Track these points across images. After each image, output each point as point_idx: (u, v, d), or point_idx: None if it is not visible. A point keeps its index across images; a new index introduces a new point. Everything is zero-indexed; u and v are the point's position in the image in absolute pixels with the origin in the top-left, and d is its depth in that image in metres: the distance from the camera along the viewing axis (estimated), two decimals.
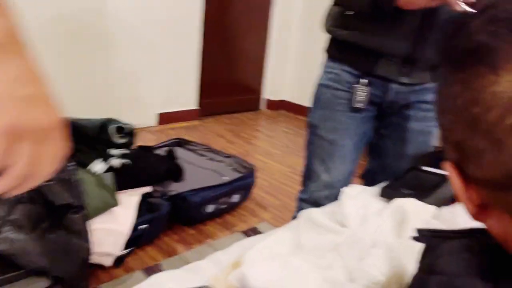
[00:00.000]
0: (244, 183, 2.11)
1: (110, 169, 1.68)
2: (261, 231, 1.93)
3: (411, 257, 0.64)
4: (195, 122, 3.39)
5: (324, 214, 0.82)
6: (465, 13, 0.83)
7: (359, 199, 0.99)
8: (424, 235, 0.49)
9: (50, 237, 1.37)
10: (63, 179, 1.50)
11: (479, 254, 0.38)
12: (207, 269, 0.62)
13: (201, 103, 3.43)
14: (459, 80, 0.34)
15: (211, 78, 3.45)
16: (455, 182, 0.37)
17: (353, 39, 1.12)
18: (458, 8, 0.88)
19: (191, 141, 2.50)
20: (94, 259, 1.51)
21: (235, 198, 2.08)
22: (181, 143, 2.49)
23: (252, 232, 1.97)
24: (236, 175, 2.15)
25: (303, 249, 0.65)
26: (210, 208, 1.94)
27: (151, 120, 3.15)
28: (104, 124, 1.70)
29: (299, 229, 0.72)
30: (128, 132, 1.78)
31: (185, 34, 3.12)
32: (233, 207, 2.12)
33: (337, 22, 1.16)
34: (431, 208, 0.87)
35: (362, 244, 0.59)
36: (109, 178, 1.62)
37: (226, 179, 2.10)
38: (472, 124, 0.33)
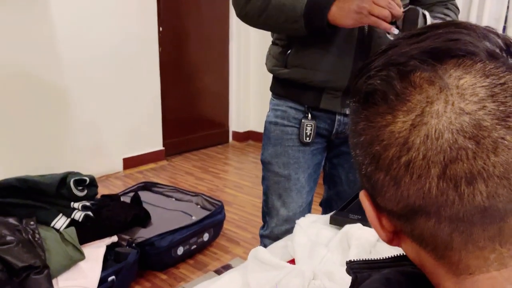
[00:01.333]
0: (213, 220, 2.11)
1: (73, 222, 1.66)
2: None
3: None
4: (163, 163, 3.39)
5: (275, 249, 0.85)
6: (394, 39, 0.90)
7: (313, 229, 1.03)
8: (352, 268, 0.51)
9: None
10: (23, 240, 1.48)
11: (396, 287, 0.40)
12: None
13: (166, 142, 3.45)
14: (363, 118, 0.36)
15: (174, 117, 3.49)
16: (368, 210, 0.39)
17: (294, 76, 1.18)
18: (388, 30, 0.96)
19: (157, 183, 2.50)
20: None
21: (206, 236, 2.08)
22: (147, 186, 2.48)
23: (225, 269, 1.96)
24: (205, 213, 2.15)
25: None
26: (180, 250, 1.93)
27: (117, 166, 3.13)
28: (64, 178, 1.69)
29: (247, 269, 0.75)
30: (89, 183, 1.77)
31: (144, 77, 3.16)
32: (204, 246, 2.11)
33: (277, 62, 1.22)
34: None
35: (302, 278, 0.62)
36: (71, 233, 1.60)
37: (194, 219, 2.10)
38: (374, 160, 0.35)
